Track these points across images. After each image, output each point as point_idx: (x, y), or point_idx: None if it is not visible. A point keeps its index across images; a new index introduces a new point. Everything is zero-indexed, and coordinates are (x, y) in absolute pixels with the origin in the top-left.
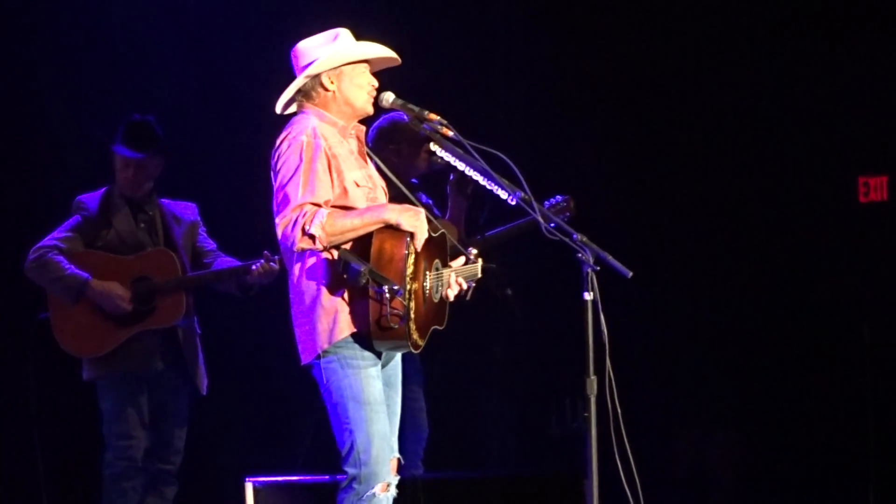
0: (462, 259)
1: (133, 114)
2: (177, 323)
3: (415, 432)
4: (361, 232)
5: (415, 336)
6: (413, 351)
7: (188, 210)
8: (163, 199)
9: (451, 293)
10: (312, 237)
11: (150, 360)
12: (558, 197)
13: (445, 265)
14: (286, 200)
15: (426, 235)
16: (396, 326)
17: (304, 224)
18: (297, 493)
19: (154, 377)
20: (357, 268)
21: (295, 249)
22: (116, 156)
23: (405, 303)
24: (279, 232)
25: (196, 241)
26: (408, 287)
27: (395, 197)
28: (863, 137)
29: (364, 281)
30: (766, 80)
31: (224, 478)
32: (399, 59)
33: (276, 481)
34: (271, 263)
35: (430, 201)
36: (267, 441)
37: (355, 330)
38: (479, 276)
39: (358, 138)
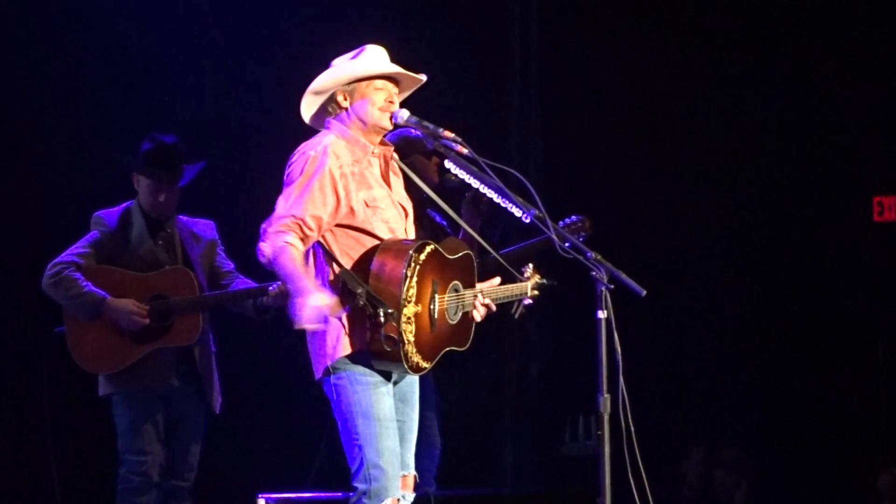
0: (497, 279)
1: (156, 134)
2: (193, 342)
3: (428, 449)
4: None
5: (414, 359)
6: (413, 374)
7: (207, 228)
8: (181, 217)
9: (478, 314)
10: (262, 253)
11: (165, 376)
12: (574, 217)
13: (469, 286)
14: (276, 208)
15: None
16: (390, 350)
17: (268, 235)
18: None
19: (169, 394)
20: (353, 290)
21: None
22: (146, 179)
23: (400, 326)
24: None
25: (214, 261)
26: (405, 311)
27: (417, 219)
28: (878, 157)
29: (361, 303)
30: (783, 99)
31: (237, 494)
32: (422, 78)
33: (288, 498)
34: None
35: (444, 223)
36: (280, 458)
37: (356, 349)
38: (534, 292)
39: (385, 158)
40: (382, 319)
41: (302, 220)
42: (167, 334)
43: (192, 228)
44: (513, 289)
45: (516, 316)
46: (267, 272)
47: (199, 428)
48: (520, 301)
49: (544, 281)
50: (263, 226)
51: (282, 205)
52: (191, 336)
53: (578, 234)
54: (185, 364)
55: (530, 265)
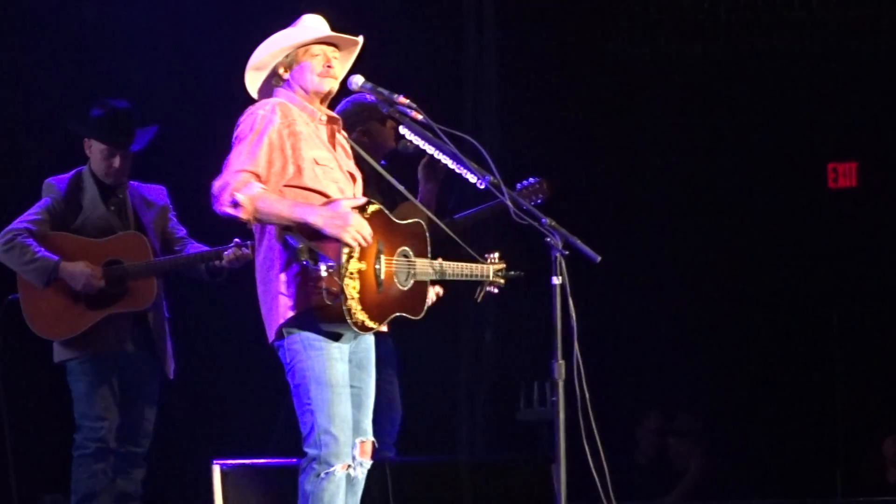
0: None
1: (107, 100)
2: (148, 307)
3: (388, 415)
4: (286, 223)
5: (359, 316)
6: (360, 332)
7: (159, 193)
8: (132, 182)
9: (431, 292)
10: (237, 204)
11: (121, 341)
12: (531, 179)
13: (420, 254)
14: (227, 164)
15: (359, 235)
16: (330, 304)
17: (234, 189)
18: (264, 475)
19: (124, 359)
20: (295, 244)
21: (220, 212)
22: (99, 145)
23: (341, 281)
24: (213, 192)
25: (167, 226)
26: (350, 266)
27: (369, 181)
28: (832, 124)
29: (302, 258)
30: (737, 68)
31: (192, 460)
32: (358, 39)
33: (244, 464)
34: (243, 250)
35: (402, 187)
36: (236, 424)
37: (303, 307)
38: (494, 279)
39: (331, 128)
40: (323, 273)
41: (256, 174)
42: (122, 299)
43: (143, 194)
44: (474, 269)
45: (478, 300)
46: (220, 237)
47: (153, 394)
48: (482, 285)
49: (511, 272)
50: (218, 184)
51: (235, 161)
52: (146, 301)
53: (536, 196)
54: (140, 329)
55: (496, 253)
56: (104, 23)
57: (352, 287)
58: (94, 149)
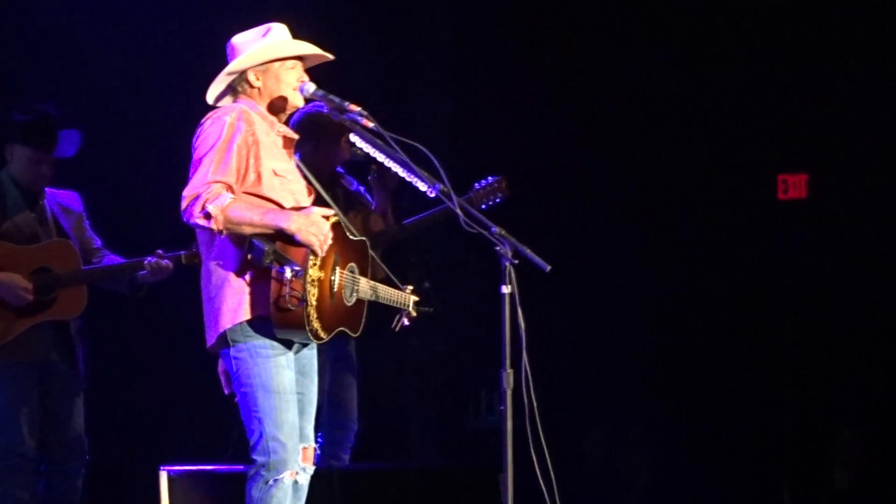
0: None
1: (34, 105)
2: (77, 315)
3: (343, 424)
4: (258, 230)
5: (315, 324)
6: (313, 341)
7: (73, 200)
8: (47, 188)
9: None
10: (209, 216)
11: (45, 349)
12: (490, 178)
13: (363, 273)
14: (196, 174)
15: (327, 244)
16: (294, 308)
17: (206, 201)
18: (211, 482)
19: (47, 367)
20: (261, 247)
21: (190, 223)
22: (25, 149)
23: (305, 285)
24: (182, 204)
25: (84, 235)
26: (311, 273)
27: (318, 198)
28: (783, 136)
29: (268, 261)
30: (689, 78)
31: (139, 467)
32: (331, 56)
33: (191, 470)
34: (164, 262)
35: (363, 188)
36: (183, 430)
37: (259, 312)
38: (412, 312)
39: (285, 139)
40: (289, 276)
41: (228, 184)
42: (52, 307)
43: (59, 200)
44: (399, 296)
45: (396, 329)
46: (137, 250)
47: (79, 401)
48: (401, 314)
49: (423, 308)
50: (189, 195)
51: (205, 171)
52: (76, 309)
53: (495, 195)
54: (62, 337)
55: (409, 287)
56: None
57: (312, 294)
58: (19, 154)
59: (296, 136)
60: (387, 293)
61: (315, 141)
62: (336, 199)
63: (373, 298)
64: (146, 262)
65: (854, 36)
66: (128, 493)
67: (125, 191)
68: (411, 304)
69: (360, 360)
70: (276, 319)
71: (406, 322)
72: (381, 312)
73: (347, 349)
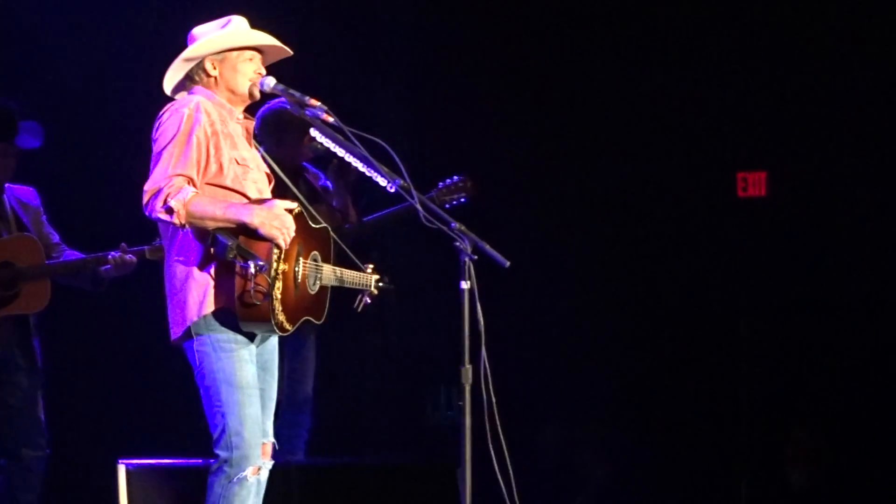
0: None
1: None
2: (41, 309)
3: (297, 420)
4: (220, 224)
5: (280, 317)
6: (278, 334)
7: (30, 195)
8: (6, 184)
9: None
10: (171, 211)
11: (5, 344)
12: (455, 177)
13: (325, 260)
14: (157, 168)
15: (290, 237)
16: (259, 303)
17: (168, 195)
18: (170, 476)
19: (6, 361)
20: (225, 241)
21: (152, 217)
22: None
23: (270, 280)
24: (144, 198)
25: (41, 230)
26: (275, 266)
27: (278, 186)
28: (742, 134)
29: (231, 255)
30: (649, 75)
31: (98, 460)
32: (290, 51)
33: (150, 464)
34: (128, 256)
35: (329, 183)
36: (142, 424)
37: (223, 305)
38: (374, 291)
39: (246, 129)
40: (253, 271)
41: (189, 177)
42: (15, 301)
43: (17, 196)
44: (361, 277)
45: (359, 309)
46: (94, 246)
47: (38, 394)
48: (363, 294)
49: (383, 284)
50: (150, 189)
51: (166, 164)
52: (40, 303)
53: (459, 194)
54: (20, 331)
55: (371, 265)
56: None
57: (277, 288)
58: None
59: (252, 122)
60: (350, 277)
61: (277, 137)
62: (299, 189)
63: (337, 284)
64: (110, 256)
65: (813, 33)
66: (86, 487)
67: (82, 186)
68: (373, 284)
69: (318, 355)
70: (240, 314)
71: (368, 300)
72: (339, 304)
73: (307, 343)
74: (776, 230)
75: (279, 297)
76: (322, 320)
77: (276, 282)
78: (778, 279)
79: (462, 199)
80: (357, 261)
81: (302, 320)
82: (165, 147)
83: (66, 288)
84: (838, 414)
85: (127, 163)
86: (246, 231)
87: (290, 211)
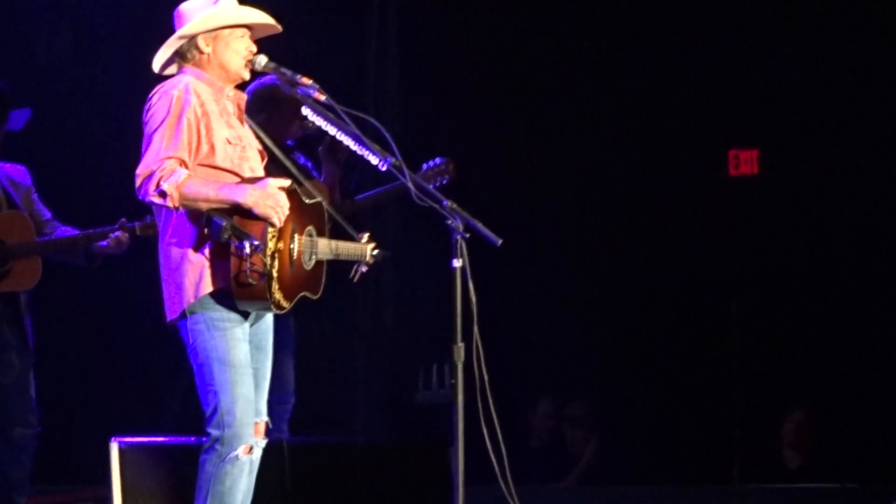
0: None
1: None
2: (32, 287)
3: (281, 395)
4: (214, 205)
5: (277, 296)
6: (276, 311)
7: (21, 174)
8: None
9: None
10: (164, 194)
11: None
12: (437, 160)
13: (321, 234)
14: (149, 151)
15: (285, 215)
16: (255, 283)
17: (160, 178)
18: (162, 454)
19: None
20: (219, 222)
21: (146, 201)
22: None
23: (265, 259)
24: (137, 182)
25: (33, 208)
26: (270, 245)
27: (271, 161)
28: (733, 110)
29: (226, 236)
30: (639, 52)
31: (90, 438)
32: (279, 27)
33: (142, 442)
34: (119, 234)
35: (310, 163)
36: (135, 402)
37: (219, 286)
38: (369, 260)
39: (237, 105)
40: (248, 251)
41: (181, 160)
42: (6, 279)
43: (7, 174)
44: (357, 248)
45: (355, 279)
46: (85, 222)
47: (29, 373)
48: (358, 264)
49: (378, 252)
50: (142, 173)
51: (157, 147)
52: (31, 280)
53: (442, 177)
54: (11, 309)
55: (366, 234)
56: None
57: (273, 267)
58: None
59: (243, 95)
60: (346, 249)
61: (268, 113)
62: (283, 171)
63: (333, 258)
64: (112, 236)
65: (805, 11)
66: (78, 466)
67: (72, 164)
68: (368, 253)
69: (296, 334)
70: (237, 294)
71: (364, 269)
72: (332, 282)
73: (287, 322)
74: (768, 208)
75: (276, 275)
76: (319, 295)
77: (272, 261)
78: (770, 257)
79: (444, 181)
80: (352, 231)
81: (299, 296)
82: (156, 130)
83: (60, 265)
84: (831, 394)
85: (114, 141)
86: (240, 211)
87: (284, 188)
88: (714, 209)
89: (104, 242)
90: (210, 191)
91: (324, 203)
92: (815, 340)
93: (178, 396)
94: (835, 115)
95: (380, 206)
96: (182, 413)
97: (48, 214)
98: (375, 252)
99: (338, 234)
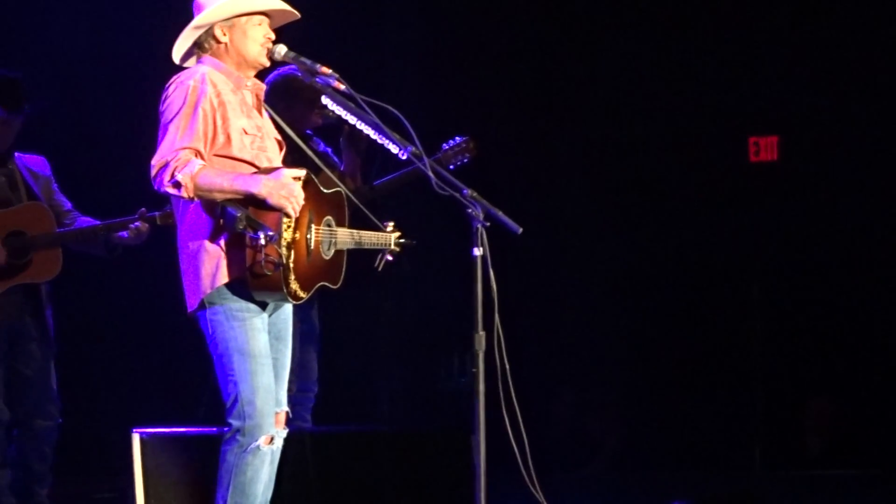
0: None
1: None
2: (53, 278)
3: (305, 386)
4: (229, 196)
5: (293, 286)
6: (292, 302)
7: (41, 165)
8: (16, 153)
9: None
10: (178, 185)
11: (16, 313)
12: (458, 138)
13: (340, 224)
14: (164, 142)
15: (300, 205)
16: (270, 273)
17: (175, 169)
18: (184, 444)
19: (18, 331)
20: (234, 213)
21: (161, 191)
22: None
23: (280, 250)
24: (152, 172)
25: (52, 198)
26: (285, 235)
27: (291, 150)
28: (753, 97)
29: (241, 226)
30: (660, 41)
31: (112, 429)
32: (297, 14)
33: (164, 433)
34: (139, 224)
35: (329, 149)
36: (157, 393)
37: (235, 276)
38: (394, 248)
39: (256, 95)
40: (263, 242)
41: (197, 150)
42: (27, 270)
43: (28, 165)
44: (381, 237)
45: (379, 268)
46: (107, 212)
47: (50, 364)
48: (383, 253)
49: (404, 240)
50: (157, 163)
51: (173, 137)
52: (51, 272)
53: (463, 155)
54: (32, 300)
55: (391, 223)
56: None
57: (288, 258)
58: None
59: (262, 85)
60: (369, 237)
61: (287, 103)
62: (303, 161)
63: (355, 247)
64: (132, 226)
65: None
66: (100, 457)
67: (91, 155)
68: (393, 242)
69: (321, 322)
70: (252, 284)
71: (389, 258)
72: (353, 270)
73: (310, 312)
74: (787, 195)
75: (291, 266)
76: (339, 285)
77: (288, 252)
78: (790, 243)
79: (465, 160)
80: (376, 220)
81: (317, 286)
82: (171, 120)
83: (80, 255)
84: (853, 379)
85: (132, 131)
86: (255, 202)
87: (299, 178)
88: (734, 196)
89: (124, 233)
90: (224, 181)
91: (344, 192)
92: (837, 326)
93: (211, 388)
94: (854, 102)
95: (399, 190)
96: (214, 404)
97: (68, 205)
98: (401, 241)
99: (362, 223)
